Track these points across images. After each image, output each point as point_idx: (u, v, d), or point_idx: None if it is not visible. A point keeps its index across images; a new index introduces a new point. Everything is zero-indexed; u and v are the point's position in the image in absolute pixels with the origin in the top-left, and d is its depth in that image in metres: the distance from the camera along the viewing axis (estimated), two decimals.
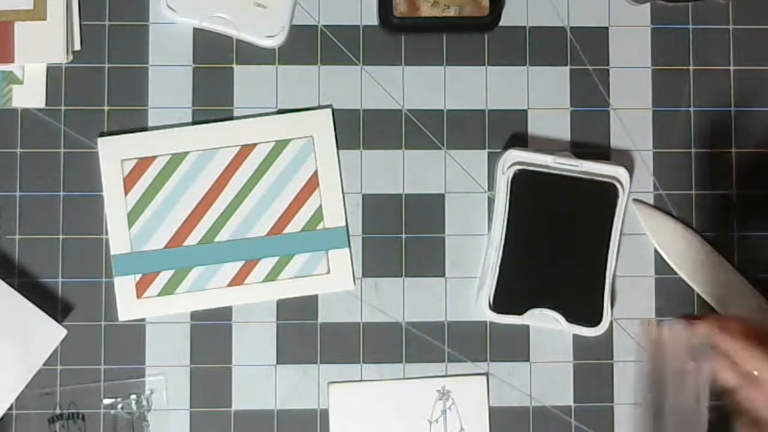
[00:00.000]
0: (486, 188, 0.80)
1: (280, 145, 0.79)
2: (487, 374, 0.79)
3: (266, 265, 0.78)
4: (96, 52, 0.79)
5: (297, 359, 0.78)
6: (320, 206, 0.79)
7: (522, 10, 0.81)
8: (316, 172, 0.79)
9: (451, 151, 0.80)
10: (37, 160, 0.79)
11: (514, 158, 0.78)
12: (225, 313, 0.78)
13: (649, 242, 0.80)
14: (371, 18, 0.80)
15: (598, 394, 0.79)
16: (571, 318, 0.77)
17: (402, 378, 0.78)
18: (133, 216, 0.78)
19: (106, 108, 0.79)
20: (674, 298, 0.80)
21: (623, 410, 0.78)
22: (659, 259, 0.80)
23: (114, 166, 0.78)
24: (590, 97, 0.81)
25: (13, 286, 0.76)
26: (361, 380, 0.78)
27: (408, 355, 0.79)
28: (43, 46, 0.78)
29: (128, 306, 0.78)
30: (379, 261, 0.79)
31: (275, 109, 0.80)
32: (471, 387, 0.78)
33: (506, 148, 0.79)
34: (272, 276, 0.78)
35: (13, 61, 0.78)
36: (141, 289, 0.78)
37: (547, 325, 0.78)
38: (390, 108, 0.80)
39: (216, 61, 0.80)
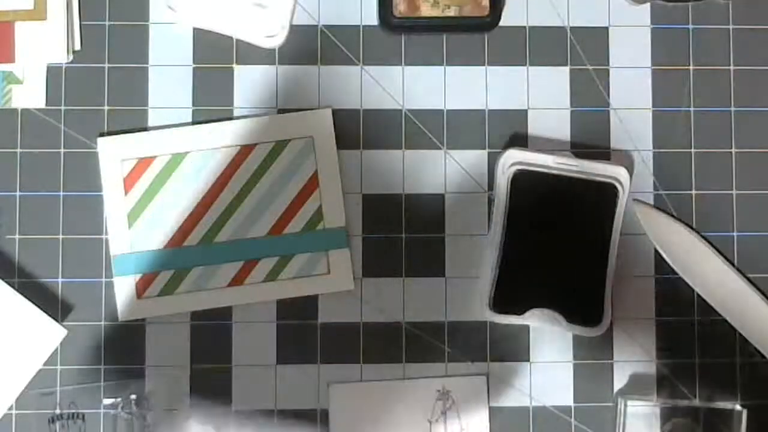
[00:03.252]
0: (486, 188, 0.80)
1: (280, 145, 0.79)
2: (487, 374, 0.79)
3: (266, 265, 0.78)
4: (96, 52, 0.79)
5: (297, 359, 0.78)
6: (320, 206, 0.79)
7: (522, 10, 0.81)
8: (316, 173, 0.79)
9: (451, 151, 0.80)
10: (37, 160, 0.79)
11: (514, 158, 0.78)
12: (225, 313, 0.78)
13: (649, 242, 0.80)
14: (371, 18, 0.80)
15: (598, 394, 0.79)
16: (571, 318, 0.77)
17: (402, 378, 0.78)
18: (133, 216, 0.78)
19: (106, 108, 0.79)
20: (674, 298, 0.80)
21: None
22: (659, 259, 0.80)
23: (114, 166, 0.78)
24: (590, 97, 0.81)
25: (13, 286, 0.76)
26: (361, 380, 0.78)
27: (408, 355, 0.78)
28: (43, 46, 0.78)
29: (128, 306, 0.78)
30: (379, 261, 0.79)
31: (275, 109, 0.80)
32: (471, 387, 0.78)
33: (506, 148, 0.79)
34: (272, 276, 0.78)
35: (13, 61, 0.78)
36: (141, 289, 0.78)
37: (547, 325, 0.78)
38: (390, 108, 0.80)
39: (216, 61, 0.80)
